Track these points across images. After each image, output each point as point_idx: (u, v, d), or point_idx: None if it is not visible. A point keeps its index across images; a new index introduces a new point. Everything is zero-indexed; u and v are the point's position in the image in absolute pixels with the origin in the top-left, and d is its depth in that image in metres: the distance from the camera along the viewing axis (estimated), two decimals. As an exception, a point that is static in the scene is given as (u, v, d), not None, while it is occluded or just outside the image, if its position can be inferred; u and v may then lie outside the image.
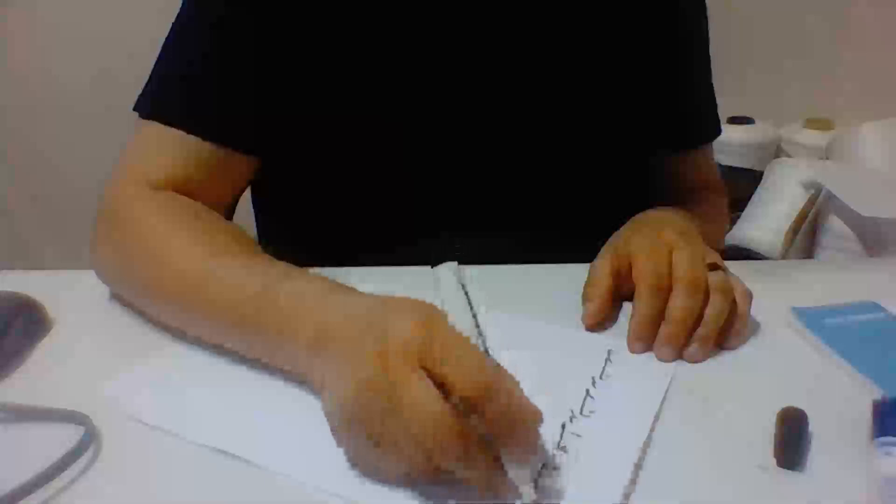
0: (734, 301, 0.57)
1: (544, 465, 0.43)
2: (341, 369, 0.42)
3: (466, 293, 0.44)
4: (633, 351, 0.56)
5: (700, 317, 0.55)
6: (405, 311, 0.42)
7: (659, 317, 0.56)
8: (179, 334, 0.57)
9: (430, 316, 0.42)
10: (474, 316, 0.44)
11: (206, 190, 0.63)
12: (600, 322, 0.59)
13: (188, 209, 0.61)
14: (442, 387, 0.39)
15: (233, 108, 0.64)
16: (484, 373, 0.39)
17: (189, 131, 0.63)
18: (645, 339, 0.56)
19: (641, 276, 0.57)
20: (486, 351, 0.42)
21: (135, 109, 0.65)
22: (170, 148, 0.63)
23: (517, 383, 0.41)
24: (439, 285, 0.44)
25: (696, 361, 0.55)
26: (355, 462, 0.43)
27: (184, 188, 0.62)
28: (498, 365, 0.42)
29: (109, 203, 0.62)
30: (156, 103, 0.65)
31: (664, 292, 0.56)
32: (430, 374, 0.39)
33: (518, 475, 0.39)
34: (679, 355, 0.55)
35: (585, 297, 0.60)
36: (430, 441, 0.38)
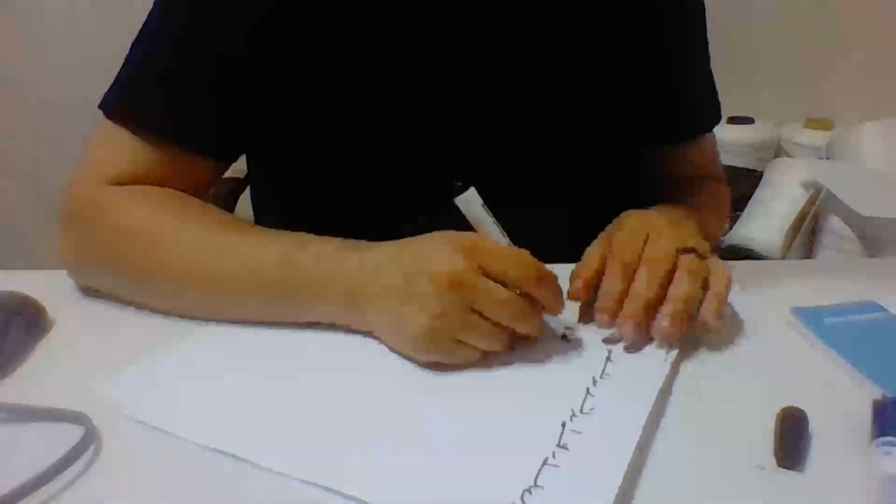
0: (706, 282, 0.57)
1: (544, 463, 0.44)
2: (400, 313, 0.51)
3: (488, 211, 0.54)
4: (599, 325, 0.57)
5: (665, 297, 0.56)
6: (439, 244, 0.52)
7: (625, 293, 0.56)
8: (180, 315, 0.59)
9: (461, 239, 0.52)
10: (499, 228, 0.55)
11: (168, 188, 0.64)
12: (588, 313, 0.59)
13: (165, 194, 0.63)
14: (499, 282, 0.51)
15: (192, 112, 0.64)
16: (532, 263, 0.52)
17: (147, 132, 0.63)
18: (608, 314, 0.56)
19: (613, 253, 0.58)
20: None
21: (99, 107, 0.65)
22: (129, 147, 0.64)
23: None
24: (466, 211, 0.54)
25: (667, 340, 0.54)
26: (438, 365, 0.52)
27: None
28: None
29: (74, 202, 0.63)
30: (117, 103, 0.65)
31: (631, 270, 0.57)
32: (489, 276, 0.51)
33: (554, 322, 0.57)
34: (640, 333, 0.55)
35: (572, 277, 0.60)
36: (515, 319, 0.52)
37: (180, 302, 0.59)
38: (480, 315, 0.51)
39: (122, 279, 0.61)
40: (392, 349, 0.54)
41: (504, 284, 0.51)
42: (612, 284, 0.57)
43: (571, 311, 0.58)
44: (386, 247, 0.55)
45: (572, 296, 0.59)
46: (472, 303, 0.50)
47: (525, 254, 0.53)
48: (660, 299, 0.56)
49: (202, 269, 0.57)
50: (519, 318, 0.52)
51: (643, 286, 0.56)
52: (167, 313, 0.60)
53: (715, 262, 0.59)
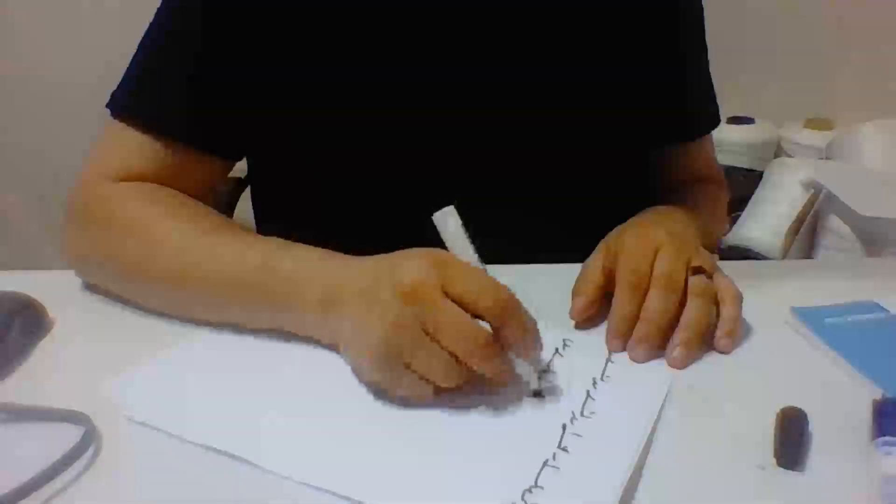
0: (717, 304, 0.57)
1: (545, 464, 0.44)
2: (367, 316, 0.48)
3: (466, 232, 0.50)
4: (611, 349, 0.56)
5: (677, 319, 0.55)
6: (413, 255, 0.49)
7: (636, 316, 0.56)
8: (173, 315, 0.58)
9: (437, 254, 0.49)
10: (475, 250, 0.50)
11: (176, 188, 0.64)
12: (588, 318, 0.59)
13: (168, 195, 0.63)
14: (462, 308, 0.46)
15: (200, 111, 0.65)
16: (501, 293, 0.47)
17: (160, 132, 0.64)
18: (621, 338, 0.56)
19: (621, 274, 0.57)
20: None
21: (107, 107, 0.66)
22: (136, 146, 0.64)
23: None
24: (442, 230, 0.50)
25: (679, 367, 0.54)
26: (391, 393, 0.49)
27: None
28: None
29: (80, 198, 0.64)
30: (125, 102, 0.65)
31: (642, 291, 0.56)
32: (451, 299, 0.46)
33: (526, 370, 0.49)
34: (652, 356, 0.55)
35: (575, 294, 0.60)
36: (469, 351, 0.46)
37: (167, 301, 0.59)
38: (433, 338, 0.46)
39: (116, 276, 0.61)
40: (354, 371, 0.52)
41: (470, 313, 0.47)
42: (624, 309, 0.56)
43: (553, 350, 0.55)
44: (367, 257, 0.53)
45: (574, 315, 0.59)
46: (425, 322, 0.46)
47: (500, 284, 0.48)
48: (672, 323, 0.55)
49: (188, 269, 0.57)
50: (473, 351, 0.46)
51: (657, 311, 0.55)
52: (158, 312, 0.59)
53: (722, 280, 0.59)
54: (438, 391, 0.48)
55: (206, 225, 0.61)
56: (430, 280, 0.47)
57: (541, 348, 0.50)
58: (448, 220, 0.50)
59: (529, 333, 0.48)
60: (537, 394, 0.50)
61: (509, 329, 0.47)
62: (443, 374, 0.47)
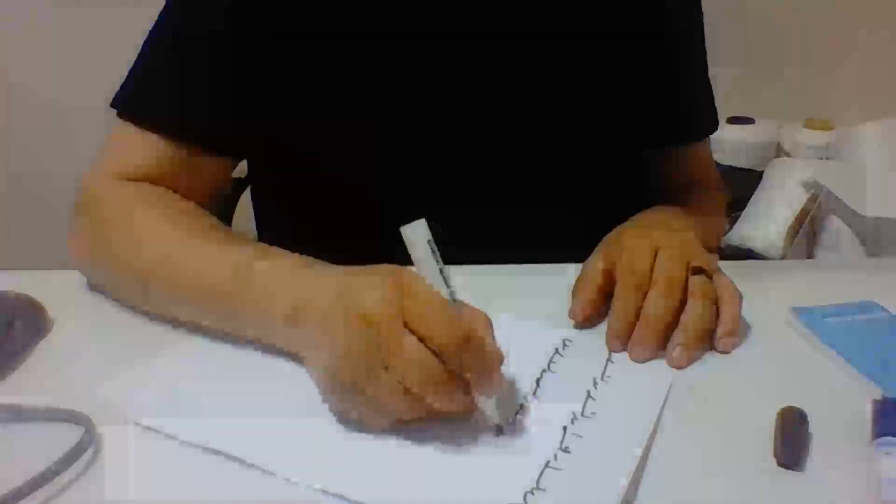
0: (717, 305, 0.57)
1: (546, 465, 0.44)
2: (323, 337, 0.47)
3: (434, 250, 0.47)
4: (611, 349, 0.56)
5: (678, 320, 0.55)
6: (377, 276, 0.47)
7: (636, 316, 0.56)
8: (161, 318, 0.58)
9: (401, 277, 0.46)
10: (441, 270, 0.47)
11: (179, 188, 0.64)
12: (588, 318, 0.59)
13: (161, 196, 0.63)
14: (420, 339, 0.44)
15: (205, 111, 0.65)
16: (459, 326, 0.44)
17: (161, 131, 0.64)
18: (621, 338, 0.56)
19: (622, 274, 0.57)
20: (454, 300, 0.47)
21: (112, 106, 0.66)
22: (142, 146, 0.64)
23: (485, 321, 0.47)
24: (409, 245, 0.47)
25: (679, 367, 0.54)
26: (347, 417, 0.47)
27: (157, 184, 0.64)
28: (464, 310, 0.47)
29: (82, 196, 0.64)
30: (131, 102, 0.65)
31: (642, 292, 0.56)
32: (409, 329, 0.44)
33: (487, 406, 0.46)
34: (652, 356, 0.55)
35: (574, 294, 0.60)
36: (424, 385, 0.44)
37: (153, 302, 0.59)
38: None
39: (108, 274, 0.62)
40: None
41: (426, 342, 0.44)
42: (624, 309, 0.56)
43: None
44: (338, 271, 0.51)
45: (574, 315, 0.59)
46: (379, 351, 0.44)
47: (459, 319, 0.45)
48: (673, 323, 0.55)
49: (169, 272, 0.57)
50: (425, 384, 0.44)
51: (657, 311, 0.55)
52: (143, 311, 0.60)
53: (722, 280, 0.59)
54: (394, 422, 0.46)
55: (194, 228, 0.60)
56: (388, 308, 0.44)
57: (502, 386, 0.48)
58: (414, 235, 0.46)
59: (488, 371, 0.46)
60: (498, 429, 0.47)
61: (466, 366, 0.45)
62: (395, 404, 0.45)
